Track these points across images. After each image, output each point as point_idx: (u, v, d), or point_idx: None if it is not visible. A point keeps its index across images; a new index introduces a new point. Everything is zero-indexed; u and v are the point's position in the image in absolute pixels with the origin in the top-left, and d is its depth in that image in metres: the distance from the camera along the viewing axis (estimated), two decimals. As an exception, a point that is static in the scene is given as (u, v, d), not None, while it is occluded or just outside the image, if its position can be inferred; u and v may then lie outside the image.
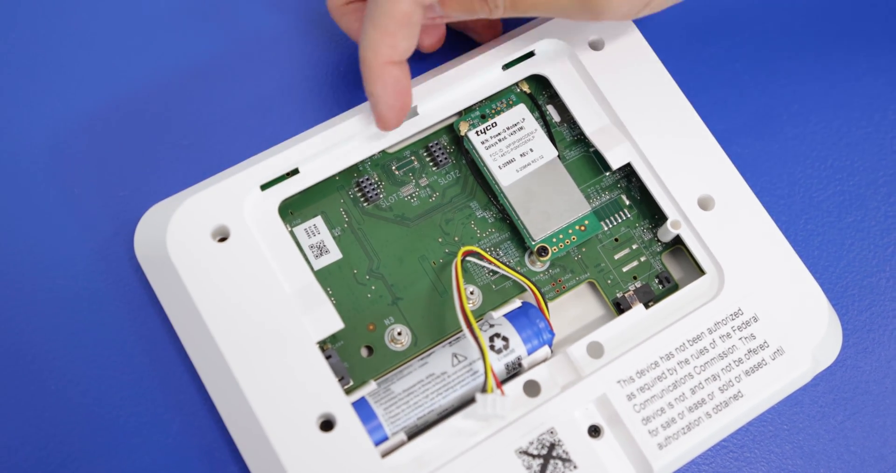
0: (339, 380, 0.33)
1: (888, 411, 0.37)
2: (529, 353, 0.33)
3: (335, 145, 0.34)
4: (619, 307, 0.36)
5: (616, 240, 0.37)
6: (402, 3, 0.31)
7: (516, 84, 0.37)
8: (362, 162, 0.36)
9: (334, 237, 0.35)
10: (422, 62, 0.38)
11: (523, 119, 0.37)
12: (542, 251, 0.35)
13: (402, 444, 0.32)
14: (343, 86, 0.38)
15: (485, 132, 0.36)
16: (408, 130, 0.35)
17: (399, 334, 0.34)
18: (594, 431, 0.33)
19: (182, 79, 0.38)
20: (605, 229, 0.37)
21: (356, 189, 0.36)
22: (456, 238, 0.36)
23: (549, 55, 0.37)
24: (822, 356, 0.35)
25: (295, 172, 0.34)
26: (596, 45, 0.37)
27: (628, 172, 0.37)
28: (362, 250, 0.35)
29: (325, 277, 0.35)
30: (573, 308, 0.36)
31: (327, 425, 0.31)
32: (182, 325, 0.33)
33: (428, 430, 0.32)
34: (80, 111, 0.37)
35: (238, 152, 0.36)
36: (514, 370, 0.33)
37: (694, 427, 0.33)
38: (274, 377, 0.31)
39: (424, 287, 0.35)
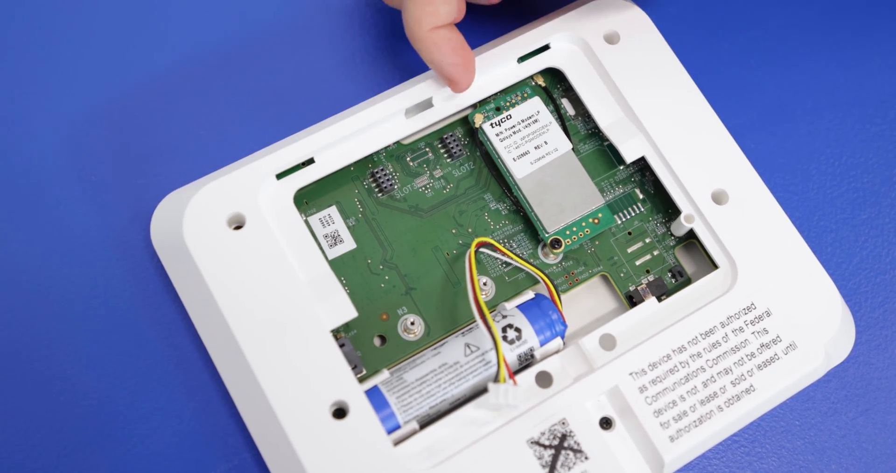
0: (352, 368, 0.33)
1: (900, 408, 0.37)
2: (542, 344, 0.33)
3: (350, 136, 0.35)
4: (632, 301, 0.36)
5: (629, 233, 0.37)
6: None
7: (531, 77, 0.37)
8: (377, 153, 0.36)
9: (348, 227, 0.35)
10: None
11: (538, 112, 0.37)
12: (556, 244, 0.35)
13: (414, 433, 0.32)
14: (358, 77, 0.38)
15: (499, 124, 0.36)
16: (422, 122, 0.36)
17: (412, 324, 0.34)
18: (605, 423, 0.33)
19: (199, 68, 0.38)
20: (619, 222, 0.37)
21: (371, 180, 0.36)
22: (469, 230, 0.36)
23: (564, 49, 0.37)
24: (834, 351, 0.35)
25: (310, 161, 0.34)
26: (611, 39, 0.37)
27: (642, 166, 0.37)
28: (376, 241, 0.35)
29: (338, 266, 0.35)
30: (586, 301, 0.36)
31: (340, 412, 0.31)
32: (197, 311, 0.33)
33: (440, 419, 0.32)
34: (98, 100, 0.37)
35: (254, 141, 0.36)
36: (527, 361, 0.34)
37: (705, 420, 0.33)
38: (287, 365, 0.31)
39: (438, 278, 0.35)
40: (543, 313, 0.34)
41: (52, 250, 0.35)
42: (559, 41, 0.37)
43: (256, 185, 0.33)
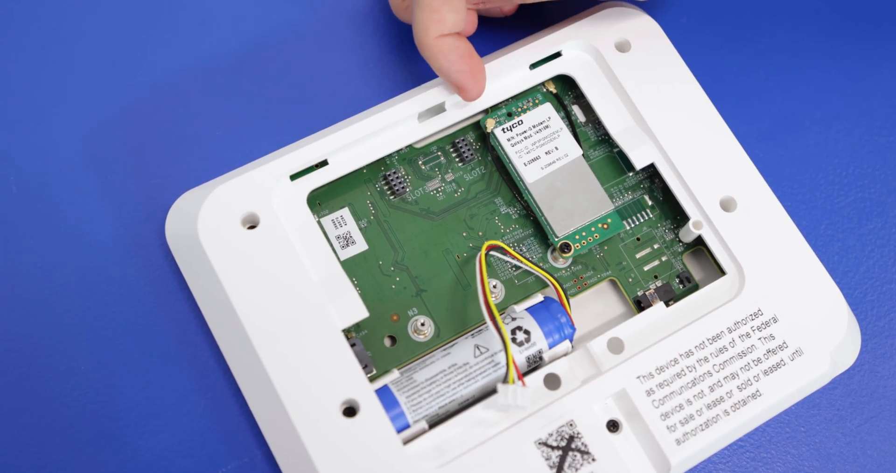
0: (363, 368, 0.33)
1: (905, 416, 0.37)
2: (550, 347, 0.34)
3: (364, 139, 0.35)
4: (640, 305, 0.36)
5: (638, 239, 0.37)
6: None
7: (543, 84, 0.38)
8: (389, 156, 0.37)
9: (360, 229, 0.36)
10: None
11: (549, 118, 0.37)
12: (565, 248, 0.36)
13: (423, 432, 0.32)
14: (372, 81, 0.39)
15: (511, 130, 0.37)
16: (434, 126, 0.36)
17: (422, 325, 0.35)
18: (613, 425, 0.33)
19: (216, 70, 0.38)
20: (628, 228, 0.37)
21: (383, 182, 0.36)
22: (480, 233, 0.36)
23: (575, 56, 0.38)
24: (840, 358, 0.35)
25: (324, 163, 0.35)
26: (622, 47, 0.37)
27: (651, 172, 0.38)
28: (388, 242, 0.36)
29: (350, 267, 0.35)
30: (594, 305, 0.37)
31: (350, 411, 0.32)
32: (210, 310, 0.34)
33: (449, 419, 0.32)
34: (115, 101, 0.38)
35: (268, 143, 0.37)
36: (535, 364, 0.34)
37: (712, 424, 0.33)
38: (299, 363, 0.32)
39: (448, 280, 0.35)
40: (552, 316, 0.34)
41: (68, 249, 0.35)
42: (571, 49, 0.37)
43: (270, 186, 0.34)
